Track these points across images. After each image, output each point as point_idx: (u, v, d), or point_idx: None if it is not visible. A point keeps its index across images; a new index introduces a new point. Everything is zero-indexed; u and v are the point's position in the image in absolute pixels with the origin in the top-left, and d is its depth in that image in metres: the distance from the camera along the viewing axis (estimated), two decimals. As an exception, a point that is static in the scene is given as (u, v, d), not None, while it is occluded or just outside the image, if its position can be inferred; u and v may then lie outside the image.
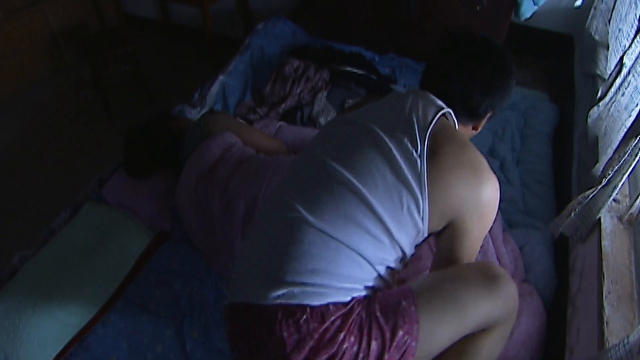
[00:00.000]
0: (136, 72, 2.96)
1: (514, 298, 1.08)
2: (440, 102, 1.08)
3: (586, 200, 1.37)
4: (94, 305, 1.49)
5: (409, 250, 1.06)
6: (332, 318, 0.96)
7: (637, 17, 1.62)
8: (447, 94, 1.09)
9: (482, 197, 1.03)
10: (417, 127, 1.03)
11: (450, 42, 1.12)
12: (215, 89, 2.32)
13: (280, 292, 0.97)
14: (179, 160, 1.78)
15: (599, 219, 1.41)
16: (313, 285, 0.97)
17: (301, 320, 0.96)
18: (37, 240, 1.67)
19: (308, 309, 0.96)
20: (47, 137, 2.86)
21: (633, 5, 1.69)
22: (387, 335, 0.96)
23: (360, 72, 2.35)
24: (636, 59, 1.41)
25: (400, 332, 0.97)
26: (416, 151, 1.01)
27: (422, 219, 1.02)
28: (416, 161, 1.00)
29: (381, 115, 1.10)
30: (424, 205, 1.00)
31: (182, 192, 1.66)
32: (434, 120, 1.03)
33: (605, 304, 1.21)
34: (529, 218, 1.76)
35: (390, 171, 1.00)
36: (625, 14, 1.76)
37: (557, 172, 1.97)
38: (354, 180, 1.00)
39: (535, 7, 2.28)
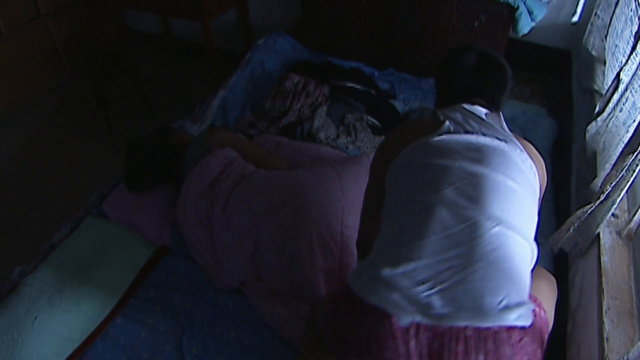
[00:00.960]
0: (137, 87, 2.97)
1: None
2: (484, 110, 1.23)
3: (585, 215, 1.38)
4: (94, 320, 1.49)
5: None
6: (537, 338, 1.01)
7: (633, 33, 1.63)
8: (478, 103, 1.26)
9: (545, 166, 1.23)
10: (504, 133, 1.18)
11: (455, 60, 1.31)
12: (215, 103, 2.34)
13: (517, 312, 0.96)
14: (179, 175, 1.78)
15: (598, 234, 1.42)
16: (526, 303, 0.99)
17: (528, 342, 0.98)
18: (37, 254, 1.67)
19: (528, 331, 0.98)
20: (48, 151, 2.87)
21: (629, 22, 1.71)
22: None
23: (359, 87, 2.37)
24: (633, 76, 1.42)
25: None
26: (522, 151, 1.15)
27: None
28: (525, 158, 1.14)
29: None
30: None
31: (183, 207, 1.66)
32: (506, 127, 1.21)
33: (605, 319, 1.21)
34: (528, 232, 1.76)
35: (520, 178, 1.09)
36: (621, 31, 1.77)
37: (555, 186, 1.97)
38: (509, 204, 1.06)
39: (533, 23, 2.30)
